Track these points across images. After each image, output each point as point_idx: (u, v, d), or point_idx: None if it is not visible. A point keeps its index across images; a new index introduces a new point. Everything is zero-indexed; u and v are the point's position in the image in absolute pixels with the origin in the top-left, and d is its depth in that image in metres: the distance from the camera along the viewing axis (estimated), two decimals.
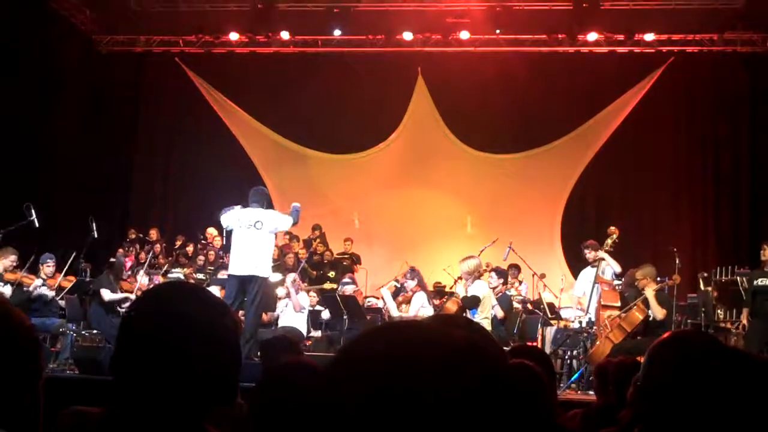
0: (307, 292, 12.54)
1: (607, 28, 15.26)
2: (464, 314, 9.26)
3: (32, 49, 13.78)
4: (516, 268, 12.77)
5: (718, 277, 12.60)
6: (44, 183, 14.17)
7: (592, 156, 16.02)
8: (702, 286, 12.48)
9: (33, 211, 10.49)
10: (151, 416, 1.53)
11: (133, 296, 10.76)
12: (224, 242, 13.20)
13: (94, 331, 10.65)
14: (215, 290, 11.22)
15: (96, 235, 11.54)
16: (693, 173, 15.74)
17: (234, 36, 16.11)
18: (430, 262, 13.67)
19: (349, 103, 16.03)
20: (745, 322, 10.49)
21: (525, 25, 15.35)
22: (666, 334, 1.81)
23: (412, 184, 16.37)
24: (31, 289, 10.55)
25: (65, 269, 11.10)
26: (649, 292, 9.28)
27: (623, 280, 10.58)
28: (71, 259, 11.26)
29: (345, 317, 11.13)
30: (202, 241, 14.56)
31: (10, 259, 10.44)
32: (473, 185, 16.29)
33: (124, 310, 10.58)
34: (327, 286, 13.34)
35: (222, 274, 11.79)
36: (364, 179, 16.55)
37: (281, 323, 11.52)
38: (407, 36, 15.69)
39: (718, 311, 11.94)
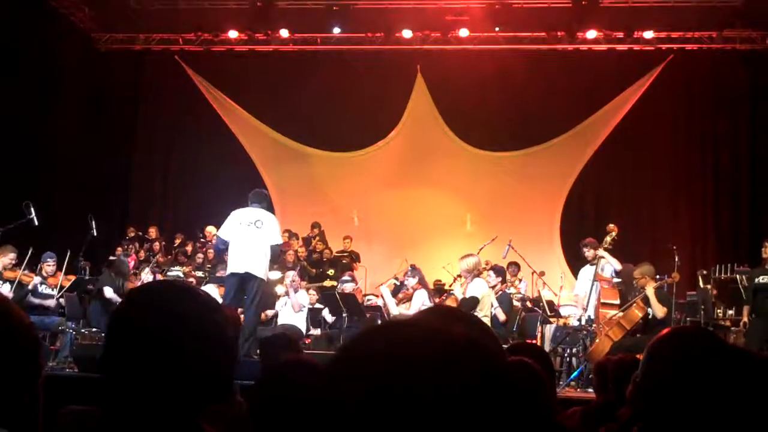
0: (307, 290, 12.54)
1: (606, 25, 15.25)
2: None
3: (31, 46, 13.78)
4: (515, 265, 12.77)
5: (717, 274, 12.60)
6: (43, 181, 14.16)
7: (592, 154, 16.02)
8: (701, 284, 12.48)
9: (32, 210, 10.48)
10: (145, 414, 1.53)
11: None
12: None
13: (94, 330, 10.65)
14: (213, 288, 11.23)
15: (95, 234, 11.53)
16: (692, 171, 15.75)
17: (233, 34, 16.10)
18: (430, 260, 13.67)
19: (349, 100, 16.03)
20: (746, 319, 10.48)
21: (524, 23, 15.34)
22: (665, 331, 1.81)
23: (412, 182, 16.36)
24: (30, 287, 10.55)
25: (65, 268, 11.09)
26: (650, 290, 9.28)
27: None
28: (68, 257, 11.23)
29: (344, 315, 11.13)
30: (201, 240, 14.55)
31: (9, 257, 10.44)
32: (472, 183, 16.28)
33: None
34: (327, 283, 13.34)
35: (220, 273, 11.77)
36: (364, 177, 16.55)
37: (281, 321, 11.52)
38: (406, 34, 15.68)
39: (718, 309, 11.94)
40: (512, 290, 11.95)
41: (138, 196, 17.12)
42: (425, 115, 16.45)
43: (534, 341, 10.57)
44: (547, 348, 10.36)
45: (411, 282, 11.14)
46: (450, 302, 9.64)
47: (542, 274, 12.51)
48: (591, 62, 15.74)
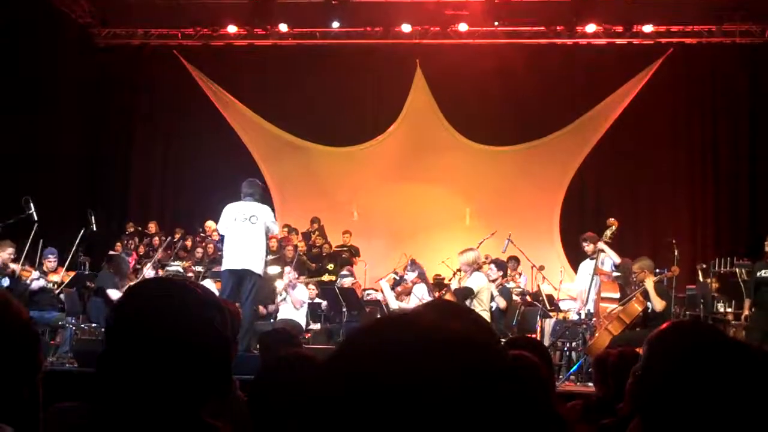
0: (306, 284, 12.55)
1: (606, 19, 15.24)
2: None
3: (29, 41, 13.75)
4: (515, 260, 12.78)
5: (716, 268, 12.60)
6: (42, 176, 14.13)
7: (591, 148, 16.01)
8: (701, 278, 12.49)
9: (32, 205, 10.47)
10: (147, 409, 1.53)
11: None
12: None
13: (94, 325, 10.65)
14: (210, 283, 11.23)
15: (95, 229, 11.53)
16: (691, 164, 15.74)
17: (232, 28, 16.09)
18: (429, 254, 13.67)
19: (348, 95, 16.02)
20: (747, 313, 10.48)
21: (523, 17, 15.33)
22: (665, 325, 1.81)
23: (411, 176, 16.35)
24: (29, 282, 10.55)
25: (66, 264, 11.09)
26: (649, 284, 9.28)
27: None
28: (72, 253, 11.24)
29: (344, 310, 11.14)
30: (201, 234, 14.55)
31: (8, 252, 10.43)
32: (472, 178, 16.28)
33: None
34: (325, 278, 13.34)
35: (217, 268, 11.77)
36: (363, 172, 16.54)
37: (280, 316, 11.53)
38: (406, 28, 15.67)
39: (719, 303, 11.92)
40: (512, 284, 11.95)
41: (137, 191, 17.11)
42: (425, 110, 16.43)
43: (534, 335, 10.58)
44: (546, 342, 10.37)
45: (410, 276, 11.16)
46: (449, 296, 9.65)
47: (542, 268, 12.52)
48: (590, 56, 15.74)
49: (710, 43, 15.50)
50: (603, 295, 9.87)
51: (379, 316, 11.15)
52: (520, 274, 12.93)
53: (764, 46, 15.23)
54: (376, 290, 12.73)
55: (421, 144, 16.37)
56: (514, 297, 11.43)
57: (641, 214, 15.50)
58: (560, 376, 9.70)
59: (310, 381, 0.93)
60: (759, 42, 15.25)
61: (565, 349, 10.70)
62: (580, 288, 11.14)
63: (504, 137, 16.26)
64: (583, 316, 10.36)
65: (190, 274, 12.85)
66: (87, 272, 12.40)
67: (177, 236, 15.03)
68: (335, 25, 15.78)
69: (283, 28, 15.96)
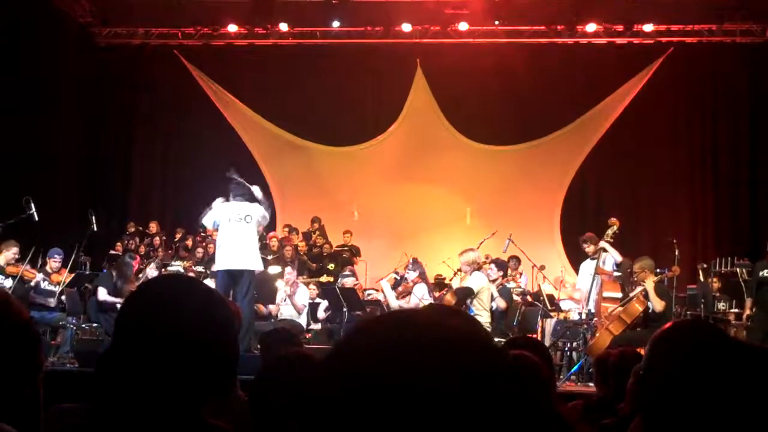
0: (307, 285, 12.54)
1: (606, 18, 15.24)
2: (461, 305, 9.28)
3: (30, 40, 13.75)
4: (516, 260, 12.77)
5: (717, 268, 12.59)
6: (43, 176, 14.13)
7: (591, 147, 16.01)
8: (701, 278, 12.48)
9: (32, 205, 10.47)
10: (149, 408, 1.53)
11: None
12: None
13: (95, 325, 10.65)
14: (212, 283, 11.22)
15: (96, 229, 11.52)
16: (692, 164, 15.74)
17: (233, 28, 16.09)
18: (430, 254, 13.67)
19: (348, 94, 16.02)
20: (748, 312, 10.48)
21: (524, 17, 15.33)
22: (668, 324, 1.81)
23: (411, 176, 16.35)
24: (33, 284, 10.55)
25: (69, 265, 11.09)
26: (649, 284, 9.27)
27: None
28: (74, 254, 11.22)
29: (345, 310, 11.13)
30: (202, 234, 14.54)
31: (12, 252, 10.44)
32: (472, 177, 16.28)
33: None
34: (323, 279, 13.34)
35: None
36: (363, 171, 16.54)
37: (281, 316, 11.53)
38: (406, 27, 15.67)
39: (723, 303, 11.90)
40: (512, 284, 11.95)
41: (138, 191, 17.11)
42: (425, 110, 16.43)
43: (534, 335, 10.58)
44: (547, 342, 10.36)
45: (411, 275, 11.16)
46: (449, 296, 9.65)
47: (542, 268, 12.51)
48: (591, 56, 15.74)
49: (711, 42, 15.50)
50: (605, 294, 9.86)
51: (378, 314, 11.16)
52: (520, 274, 12.92)
53: (765, 45, 15.23)
54: (377, 290, 12.72)
55: (421, 144, 16.36)
56: (515, 297, 11.42)
57: (642, 213, 15.49)
58: (561, 376, 9.69)
59: (309, 380, 0.93)
60: (759, 41, 15.24)
61: (566, 349, 10.69)
62: (582, 287, 11.14)
63: (504, 137, 16.25)
64: (584, 316, 10.35)
65: (191, 274, 12.84)
66: (87, 272, 12.39)
67: (178, 236, 15.04)
68: (335, 24, 15.78)
69: (283, 27, 15.96)
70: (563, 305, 11.96)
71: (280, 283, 11.82)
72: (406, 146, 16.43)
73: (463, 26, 15.53)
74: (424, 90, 16.43)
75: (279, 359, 2.76)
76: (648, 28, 15.38)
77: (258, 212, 9.54)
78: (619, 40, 15.71)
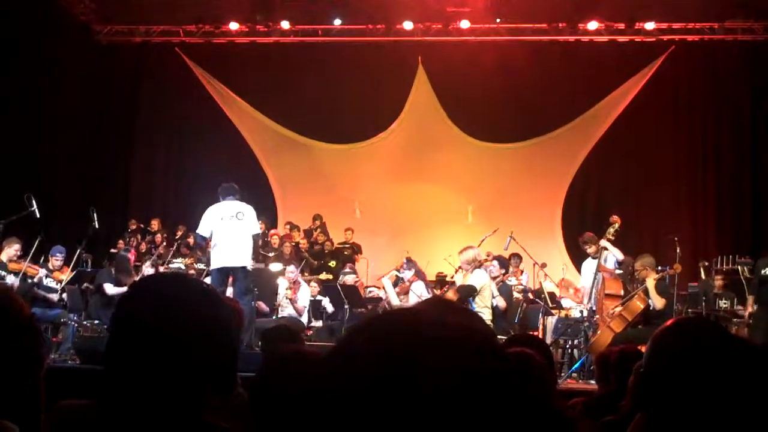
0: (308, 282, 12.54)
1: (608, 16, 15.24)
2: (463, 303, 9.28)
3: (31, 38, 13.75)
4: (517, 257, 12.76)
5: (719, 266, 12.58)
6: (45, 173, 14.14)
7: (593, 145, 16.01)
8: (703, 275, 12.47)
9: (34, 202, 10.47)
10: (149, 407, 1.53)
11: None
12: None
13: (96, 322, 10.66)
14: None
15: (97, 226, 11.52)
16: (694, 161, 15.74)
17: (234, 26, 16.09)
18: (431, 251, 13.68)
19: (350, 92, 16.00)
20: (750, 310, 10.48)
21: (525, 14, 15.32)
22: (669, 321, 1.80)
23: (413, 174, 16.36)
24: (36, 280, 10.56)
25: (73, 262, 11.09)
26: (650, 282, 9.28)
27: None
28: (78, 253, 11.23)
29: (346, 307, 11.14)
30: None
31: (15, 249, 10.44)
32: (474, 175, 16.28)
33: None
34: (323, 276, 13.34)
35: None
36: (365, 169, 16.54)
37: (282, 314, 11.53)
38: (407, 25, 15.66)
39: (723, 300, 11.88)
40: (514, 281, 11.94)
41: (139, 189, 17.12)
42: (427, 107, 16.43)
43: (536, 333, 10.58)
44: (548, 339, 10.36)
45: (407, 275, 11.18)
46: (451, 293, 9.65)
47: (544, 265, 12.49)
48: (592, 54, 15.73)
49: (712, 40, 15.50)
50: (607, 292, 9.85)
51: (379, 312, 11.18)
52: (522, 272, 12.91)
53: (766, 43, 15.21)
54: (378, 287, 12.73)
55: (423, 141, 16.37)
56: (516, 294, 11.42)
57: (643, 211, 15.47)
58: (562, 374, 9.69)
59: (312, 377, 0.93)
60: (761, 39, 15.23)
61: (567, 346, 10.70)
62: (585, 285, 11.11)
63: (506, 134, 16.25)
64: (585, 314, 10.34)
65: (192, 272, 12.85)
66: (89, 270, 12.39)
67: (179, 233, 15.04)
68: (337, 22, 15.78)
69: (285, 25, 15.96)
70: (564, 303, 11.96)
71: (281, 281, 11.81)
72: (407, 144, 16.43)
73: (464, 24, 15.52)
74: (426, 88, 16.42)
75: (280, 357, 2.76)
76: (649, 26, 15.38)
77: (250, 212, 9.56)
78: (621, 38, 15.70)
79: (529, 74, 15.38)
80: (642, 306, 9.30)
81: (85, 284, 11.52)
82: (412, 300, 10.62)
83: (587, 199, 16.10)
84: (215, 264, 9.54)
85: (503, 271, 11.08)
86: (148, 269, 11.71)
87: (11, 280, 10.18)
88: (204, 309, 1.59)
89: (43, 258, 11.12)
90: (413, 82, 16.43)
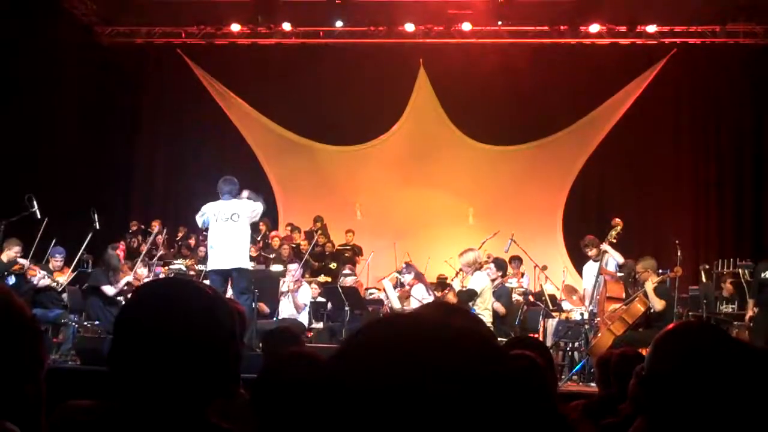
0: (310, 284, 12.54)
1: (609, 19, 15.23)
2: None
3: (33, 39, 13.75)
4: (518, 260, 12.75)
5: (720, 269, 12.57)
6: (45, 174, 14.14)
7: (594, 148, 16.01)
8: (704, 279, 12.47)
9: (35, 203, 10.48)
10: (153, 409, 1.53)
11: (131, 278, 10.77)
12: None
13: (96, 323, 10.66)
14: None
15: (98, 227, 11.52)
16: (695, 164, 15.73)
17: (236, 27, 16.09)
18: (432, 254, 13.67)
19: (351, 94, 16.00)
20: (750, 313, 10.47)
21: (527, 17, 15.33)
22: (671, 325, 1.81)
23: (414, 176, 16.36)
24: (35, 281, 10.56)
25: (74, 263, 11.09)
26: (649, 285, 9.28)
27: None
28: (80, 254, 11.24)
29: (347, 308, 11.13)
30: (204, 233, 14.53)
31: (15, 250, 10.45)
32: (475, 177, 16.29)
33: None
34: (321, 279, 13.33)
35: None
36: (366, 171, 16.55)
37: (282, 315, 11.53)
38: (409, 27, 15.66)
39: (724, 304, 11.87)
40: (515, 284, 11.93)
41: (141, 190, 17.13)
42: (428, 110, 16.44)
43: (536, 335, 10.57)
44: (549, 342, 10.36)
45: (407, 278, 11.19)
46: (451, 296, 9.65)
47: (544, 268, 12.50)
48: (594, 56, 15.73)
49: (714, 43, 15.49)
50: (608, 295, 9.85)
51: (381, 315, 11.17)
52: (522, 274, 12.90)
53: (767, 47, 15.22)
54: (379, 289, 12.73)
55: (424, 143, 16.38)
56: (517, 297, 11.41)
57: (644, 213, 15.47)
58: (563, 376, 9.69)
59: (315, 379, 0.93)
60: (763, 43, 15.22)
61: (568, 349, 10.69)
62: (586, 288, 11.10)
63: (507, 137, 16.26)
64: (586, 317, 10.34)
65: (192, 273, 12.85)
66: (90, 270, 12.39)
67: (180, 235, 15.04)
68: (338, 24, 15.78)
69: (286, 27, 15.97)
70: (565, 305, 11.96)
71: (282, 282, 11.81)
72: (408, 146, 16.44)
73: (466, 26, 15.52)
74: (427, 90, 16.43)
75: (281, 358, 2.76)
76: (651, 28, 15.37)
77: (246, 209, 9.54)
78: (623, 41, 15.70)
79: (531, 77, 15.38)
80: (643, 309, 9.30)
81: (86, 284, 11.52)
82: (414, 304, 10.63)
83: (588, 202, 16.10)
84: (211, 266, 9.56)
85: (500, 274, 11.03)
86: (140, 269, 11.66)
87: (11, 281, 10.19)
88: (207, 312, 1.59)
89: (45, 260, 11.12)
90: (414, 84, 16.44)
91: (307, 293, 11.90)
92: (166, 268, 12.96)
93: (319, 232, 14.96)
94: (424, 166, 16.32)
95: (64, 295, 11.05)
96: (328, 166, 16.75)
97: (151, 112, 17.20)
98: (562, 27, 15.44)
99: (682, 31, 15.51)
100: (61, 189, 14.60)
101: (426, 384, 0.83)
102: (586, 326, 10.14)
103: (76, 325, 10.53)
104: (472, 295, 9.29)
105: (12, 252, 10.43)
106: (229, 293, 9.59)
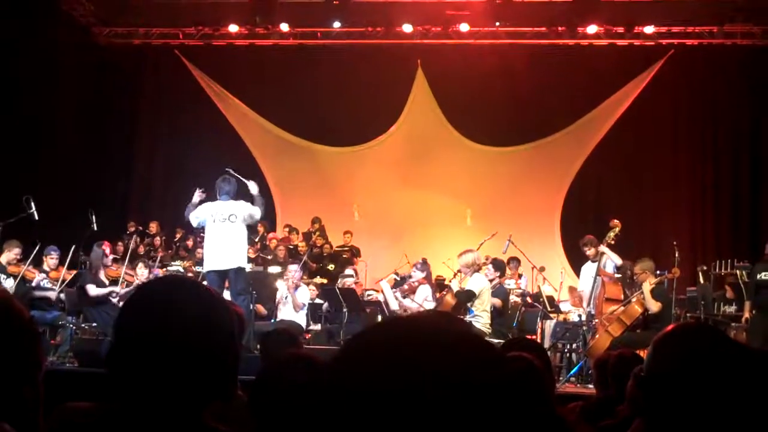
0: (307, 285, 12.54)
1: (607, 20, 15.23)
2: (461, 307, 9.29)
3: (30, 40, 13.74)
4: (516, 261, 12.76)
5: (717, 270, 12.58)
6: (43, 175, 14.13)
7: (592, 149, 16.02)
8: (701, 280, 12.47)
9: (32, 204, 10.47)
10: (151, 411, 1.53)
11: (118, 288, 10.69)
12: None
13: (94, 324, 10.64)
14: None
15: (96, 228, 11.51)
16: (692, 165, 15.74)
17: (233, 28, 16.07)
18: (430, 255, 13.65)
19: (349, 95, 16.00)
20: (747, 315, 10.48)
21: (525, 18, 15.33)
22: (670, 326, 1.81)
23: (412, 177, 16.37)
24: (33, 284, 10.55)
25: (67, 262, 11.06)
26: (646, 286, 9.29)
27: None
28: (72, 252, 11.21)
29: (345, 310, 11.13)
30: (202, 234, 14.52)
31: (14, 252, 10.44)
32: (472, 178, 16.29)
33: (115, 299, 10.57)
34: (317, 280, 13.32)
35: None
36: (364, 172, 16.55)
37: (281, 317, 11.52)
38: (407, 28, 15.65)
39: (732, 306, 11.87)
40: (512, 285, 11.94)
41: (138, 191, 17.11)
42: (425, 110, 16.44)
43: (534, 337, 10.58)
44: (547, 344, 10.36)
45: (417, 275, 11.18)
46: (449, 297, 9.65)
47: (542, 269, 12.51)
48: (591, 57, 15.73)
49: (711, 44, 15.50)
50: (607, 297, 9.85)
51: (379, 317, 11.18)
52: (520, 276, 12.91)
53: (766, 47, 15.21)
54: (377, 291, 12.73)
55: (422, 144, 16.38)
56: (515, 298, 11.42)
57: (642, 215, 15.47)
58: (561, 378, 9.69)
59: (314, 382, 0.93)
60: (760, 44, 15.23)
61: (566, 350, 10.69)
62: (584, 289, 11.11)
63: (505, 138, 16.26)
64: (583, 318, 10.34)
65: (191, 274, 12.84)
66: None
67: (178, 236, 15.03)
68: (336, 25, 15.77)
69: (284, 27, 15.95)
70: (563, 306, 11.96)
71: (280, 284, 11.80)
72: (406, 147, 16.45)
73: (464, 27, 15.51)
74: (425, 91, 16.44)
75: (279, 360, 2.76)
76: (649, 29, 15.38)
77: (243, 210, 9.53)
78: (620, 42, 15.70)
79: (529, 77, 15.38)
80: (640, 310, 9.31)
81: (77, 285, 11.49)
82: (418, 301, 10.66)
83: (586, 203, 16.10)
84: (208, 266, 9.55)
85: (498, 274, 11.05)
86: (142, 271, 11.63)
87: (10, 283, 10.18)
88: (205, 313, 1.59)
89: (40, 258, 11.10)
90: (412, 85, 16.44)
91: (306, 293, 11.90)
92: (164, 269, 12.94)
93: (317, 233, 14.95)
94: (421, 166, 16.32)
95: (62, 295, 11.03)
96: (326, 167, 16.75)
97: (149, 113, 17.19)
98: (559, 28, 15.43)
99: (679, 32, 15.52)
100: (59, 190, 14.58)
101: (425, 388, 0.84)
102: (584, 328, 10.15)
103: (74, 327, 10.51)
104: (470, 295, 9.29)
105: (11, 254, 10.43)
106: (226, 294, 9.60)
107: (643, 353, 4.61)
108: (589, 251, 10.67)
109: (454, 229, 15.61)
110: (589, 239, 10.83)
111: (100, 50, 16.63)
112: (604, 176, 16.09)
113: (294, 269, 11.75)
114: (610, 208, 14.24)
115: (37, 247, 10.76)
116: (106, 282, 10.86)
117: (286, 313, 11.53)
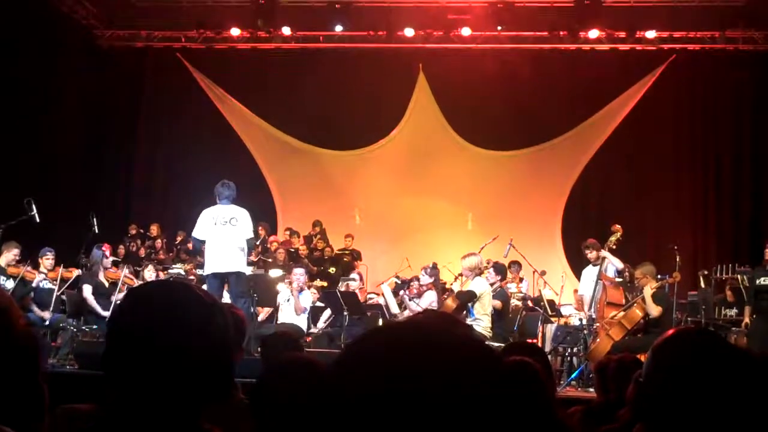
0: (309, 288, 12.54)
1: (609, 25, 15.24)
2: (463, 309, 9.29)
3: (33, 43, 13.77)
4: (517, 265, 12.75)
5: (718, 275, 12.58)
6: (45, 178, 14.15)
7: (593, 153, 16.02)
8: (702, 284, 12.47)
9: (34, 206, 10.48)
10: (146, 413, 1.53)
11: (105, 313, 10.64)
12: None
13: (94, 327, 10.65)
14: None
15: (97, 231, 11.51)
16: (694, 170, 15.75)
17: (235, 31, 16.09)
18: (431, 259, 13.63)
19: (350, 99, 16.02)
20: (747, 320, 10.48)
21: (526, 22, 15.34)
22: (670, 331, 1.81)
23: (413, 180, 16.37)
24: (33, 285, 10.55)
25: (62, 265, 11.06)
26: (647, 290, 9.28)
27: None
28: (78, 254, 11.23)
29: (346, 313, 11.12)
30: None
31: (14, 253, 10.44)
32: (474, 182, 16.30)
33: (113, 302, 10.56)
34: (317, 283, 13.32)
35: None
36: (365, 175, 16.56)
37: (281, 319, 11.51)
38: (409, 32, 15.66)
39: (734, 310, 11.86)
40: (513, 288, 11.93)
41: (139, 194, 17.12)
42: (427, 114, 16.46)
43: (535, 341, 10.57)
44: (547, 347, 10.36)
45: (425, 279, 11.17)
46: (450, 301, 9.65)
47: (543, 273, 12.49)
48: (593, 62, 15.74)
49: (713, 49, 15.50)
50: (609, 301, 9.84)
51: (381, 320, 11.18)
52: (521, 279, 12.90)
53: (767, 53, 15.22)
54: (378, 294, 12.73)
55: (423, 148, 16.39)
56: (516, 302, 11.42)
57: (644, 219, 15.48)
58: (561, 382, 9.69)
59: (315, 385, 0.93)
60: (762, 49, 15.25)
61: (567, 354, 10.68)
62: (584, 293, 11.10)
63: (506, 142, 16.27)
64: (584, 322, 10.34)
65: (192, 277, 12.85)
66: None
67: (179, 239, 15.04)
68: (338, 28, 15.78)
69: (286, 31, 15.97)
70: (566, 310, 11.96)
71: (281, 286, 11.80)
72: (408, 151, 16.46)
73: (465, 31, 15.52)
74: (427, 94, 16.45)
75: (280, 363, 2.76)
76: (650, 34, 15.39)
77: (244, 216, 9.55)
78: (622, 47, 15.72)
79: (530, 82, 15.40)
80: (641, 314, 9.30)
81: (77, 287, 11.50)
82: (423, 306, 10.67)
83: (587, 207, 16.11)
84: (209, 269, 9.55)
85: (499, 278, 11.05)
86: (150, 273, 11.65)
87: (9, 284, 10.18)
88: (200, 315, 1.59)
89: (37, 261, 11.10)
90: (414, 89, 16.46)
91: (309, 297, 11.90)
92: (165, 272, 12.95)
93: (318, 236, 14.96)
94: (423, 170, 16.33)
95: (63, 296, 11.03)
96: (327, 171, 16.76)
97: (151, 116, 17.21)
98: (561, 32, 15.44)
99: (681, 37, 15.53)
100: (61, 193, 14.60)
101: (425, 392, 0.84)
102: (585, 331, 10.14)
103: (74, 329, 10.51)
104: (471, 296, 9.29)
105: (11, 255, 10.43)
106: (226, 297, 9.60)
107: (643, 357, 4.60)
108: (591, 254, 10.67)
109: (455, 233, 15.62)
110: (591, 242, 10.83)
111: (102, 53, 16.65)
112: (606, 180, 16.10)
113: (300, 272, 11.75)
114: (612, 213, 14.24)
115: (38, 250, 10.75)
116: (106, 284, 10.87)
117: (286, 316, 11.53)
